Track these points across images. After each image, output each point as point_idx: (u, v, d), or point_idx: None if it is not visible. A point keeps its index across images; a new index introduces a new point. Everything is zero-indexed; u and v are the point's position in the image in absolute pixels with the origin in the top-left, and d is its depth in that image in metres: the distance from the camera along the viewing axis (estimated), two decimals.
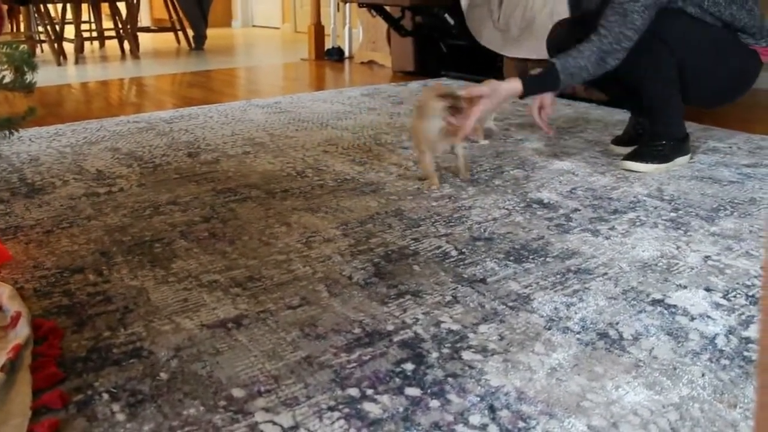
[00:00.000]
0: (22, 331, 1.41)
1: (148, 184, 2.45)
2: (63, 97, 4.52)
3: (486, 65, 4.55)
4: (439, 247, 1.84)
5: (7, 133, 1.23)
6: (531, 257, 1.76)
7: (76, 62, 6.48)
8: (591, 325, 1.43)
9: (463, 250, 1.81)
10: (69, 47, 6.73)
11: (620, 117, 3.38)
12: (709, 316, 1.47)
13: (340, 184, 2.40)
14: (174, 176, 2.55)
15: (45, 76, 5.18)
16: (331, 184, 2.39)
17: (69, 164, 2.76)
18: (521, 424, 1.12)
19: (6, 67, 1.30)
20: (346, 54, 6.26)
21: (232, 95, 4.51)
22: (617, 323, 1.43)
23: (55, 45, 6.31)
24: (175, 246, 1.87)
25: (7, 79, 1.28)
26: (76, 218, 2.12)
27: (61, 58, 6.30)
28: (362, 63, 5.88)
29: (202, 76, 5.44)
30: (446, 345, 1.36)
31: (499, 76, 4.37)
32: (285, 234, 1.94)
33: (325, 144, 2.97)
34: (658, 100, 2.46)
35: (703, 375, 1.26)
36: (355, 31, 6.39)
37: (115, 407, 1.20)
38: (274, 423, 1.14)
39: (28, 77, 1.33)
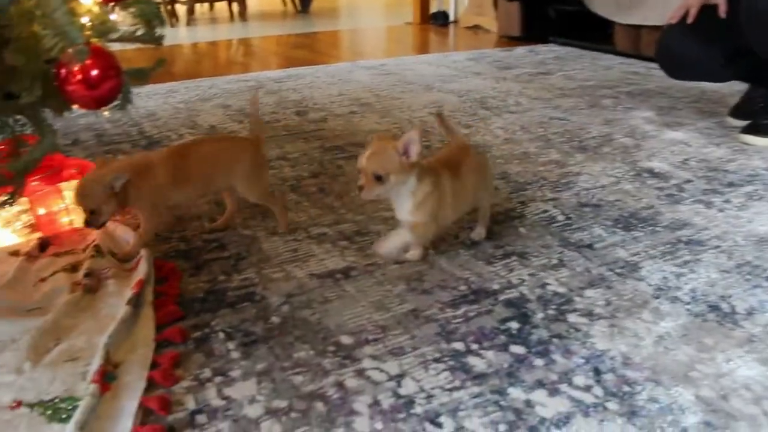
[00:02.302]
0: (144, 269, 1.50)
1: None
2: (175, 56, 4.69)
3: (595, 32, 4.42)
4: (546, 211, 1.82)
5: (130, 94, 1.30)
6: (640, 225, 1.73)
7: (188, 24, 6.69)
8: (702, 297, 1.39)
9: (570, 215, 1.79)
10: (181, 9, 6.95)
11: (738, 87, 3.23)
12: None
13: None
14: (283, 133, 2.62)
15: None
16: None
17: (183, 119, 2.88)
18: (626, 389, 1.12)
19: (138, 21, 1.37)
20: (451, 18, 6.20)
21: (336, 56, 4.56)
22: (730, 297, 1.39)
23: (168, 7, 6.53)
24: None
25: (139, 32, 1.34)
26: None
27: (174, 19, 6.53)
28: (467, 27, 5.81)
29: (308, 38, 5.51)
30: (552, 307, 1.36)
31: (610, 42, 4.24)
32: None
33: (431, 106, 2.98)
34: None
35: None
36: None
37: (231, 345, 1.27)
38: (381, 370, 1.18)
39: (158, 31, 1.39)
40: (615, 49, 4.20)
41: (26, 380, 1.19)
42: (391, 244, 1.51)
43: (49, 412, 1.11)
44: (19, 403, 1.13)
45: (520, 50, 4.49)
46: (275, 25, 6.53)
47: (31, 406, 1.13)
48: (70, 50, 1.05)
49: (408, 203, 1.47)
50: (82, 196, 1.49)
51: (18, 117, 1.24)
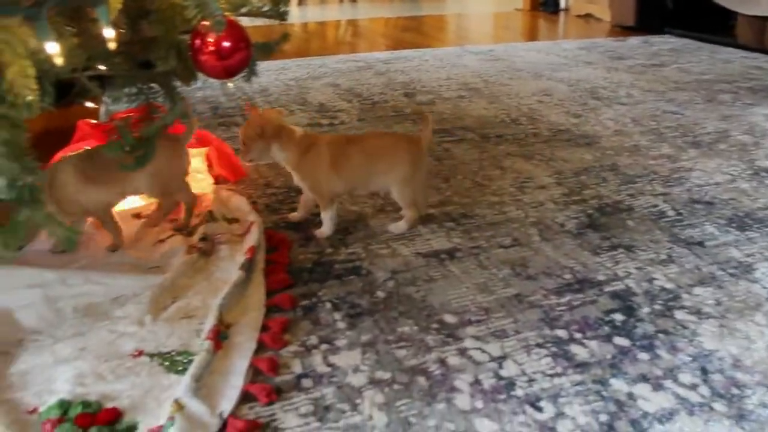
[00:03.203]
0: (255, 236, 1.57)
1: (367, 119, 2.57)
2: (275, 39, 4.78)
3: (715, 23, 4.24)
4: (656, 205, 1.78)
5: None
6: (756, 226, 1.67)
7: (299, 3, 6.82)
8: None
9: (681, 211, 1.75)
10: None
11: None
12: None
13: (554, 134, 2.38)
14: (391, 113, 2.65)
15: None
16: (545, 133, 2.38)
17: (294, 96, 2.95)
18: (735, 391, 1.09)
19: None
20: (562, 5, 6.08)
21: (444, 41, 4.55)
22: None
23: None
24: None
25: (265, 8, 1.39)
26: None
27: None
28: (578, 16, 5.68)
29: (416, 21, 5.52)
30: (658, 302, 1.34)
31: (731, 35, 4.06)
32: (498, 177, 1.98)
33: (540, 94, 2.95)
34: None
35: None
36: None
37: (337, 315, 1.31)
38: (483, 351, 1.20)
39: (282, 7, 1.44)
40: (736, 41, 4.01)
41: (147, 332, 1.27)
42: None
43: (167, 363, 1.18)
44: (141, 352, 1.21)
45: (634, 40, 4.36)
46: (383, 8, 6.57)
47: (151, 356, 1.20)
48: (207, 21, 1.10)
49: (289, 168, 1.64)
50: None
51: (152, 85, 1.31)
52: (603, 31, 4.88)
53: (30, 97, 0.77)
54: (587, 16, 5.59)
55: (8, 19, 0.75)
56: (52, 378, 1.15)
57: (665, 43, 4.23)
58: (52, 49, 0.86)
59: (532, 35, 4.92)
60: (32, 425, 1.04)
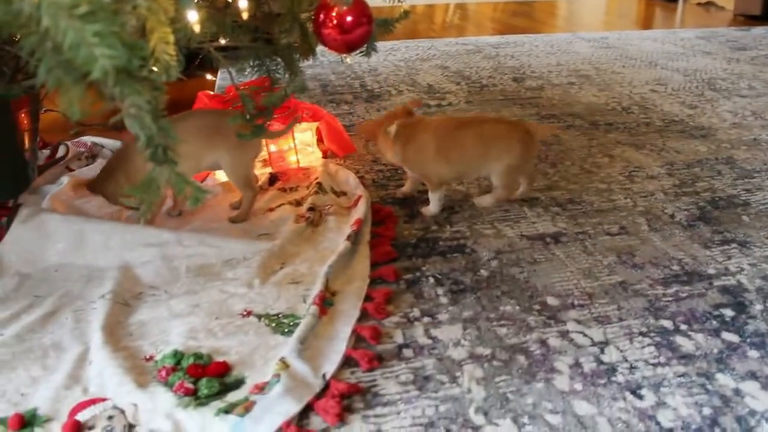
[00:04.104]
0: (362, 209, 1.60)
1: (475, 102, 2.57)
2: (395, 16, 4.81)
3: None
4: None
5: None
6: None
7: None
8: None
9: None
10: None
11: None
12: None
13: (667, 124, 2.31)
14: (499, 97, 2.64)
15: None
16: (657, 123, 2.31)
17: (403, 76, 2.98)
18: None
19: None
20: None
21: (554, 26, 4.47)
22: None
23: None
24: None
25: None
26: None
27: None
28: (698, 4, 5.45)
29: (526, 6, 5.44)
30: None
31: None
32: (607, 165, 1.94)
33: (653, 83, 2.86)
34: None
35: None
36: None
37: (439, 291, 1.33)
38: (585, 335, 1.19)
39: None
40: None
41: (256, 294, 1.33)
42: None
43: (274, 324, 1.24)
44: (250, 313, 1.27)
45: (759, 30, 4.15)
46: None
47: (259, 316, 1.26)
48: None
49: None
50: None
51: (273, 58, 1.36)
52: (725, 21, 4.67)
53: (170, 62, 0.82)
54: (708, 4, 5.36)
55: None
56: (167, 330, 1.23)
57: None
58: (192, 17, 0.91)
59: (647, 23, 4.76)
60: (149, 371, 1.12)
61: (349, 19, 1.20)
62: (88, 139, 2.01)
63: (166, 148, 0.87)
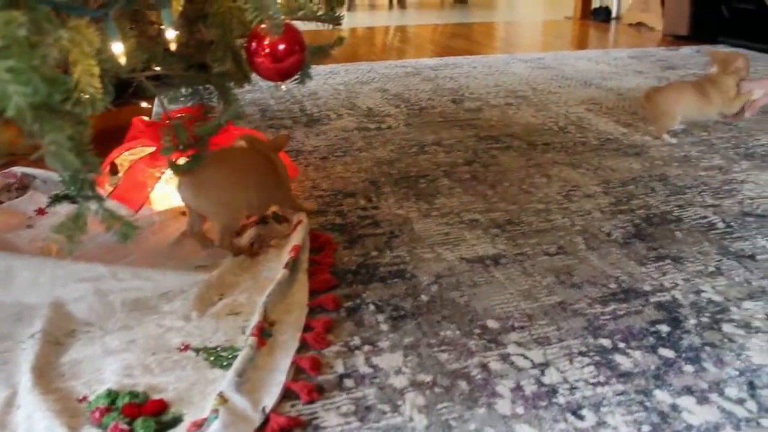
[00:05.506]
0: (299, 235, 1.59)
1: (414, 125, 2.59)
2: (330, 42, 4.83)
3: None
4: (705, 217, 1.76)
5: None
6: None
7: (348, 9, 6.87)
8: None
9: (731, 224, 1.72)
10: None
11: None
12: None
13: (602, 143, 2.36)
14: (438, 119, 2.66)
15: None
16: (593, 142, 2.36)
17: (343, 100, 2.98)
18: None
19: (319, 1, 1.44)
20: (613, 14, 6.01)
21: (492, 47, 4.55)
22: None
23: None
24: (438, 183, 1.98)
25: (320, 12, 1.42)
26: (349, 149, 2.30)
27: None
28: (630, 25, 5.62)
29: (465, 28, 5.53)
30: (705, 314, 1.33)
31: None
32: (545, 185, 1.97)
33: (589, 102, 2.93)
34: None
35: None
36: None
37: (380, 317, 1.32)
38: (525, 357, 1.20)
39: (337, 11, 1.47)
40: None
41: (193, 327, 1.30)
42: None
43: (212, 357, 1.21)
44: (187, 347, 1.24)
45: (686, 50, 4.29)
46: (432, 14, 6.59)
47: (197, 350, 1.23)
48: (265, 24, 1.13)
49: None
50: None
51: (207, 86, 1.34)
52: (655, 41, 4.82)
53: (95, 95, 0.80)
54: (639, 25, 5.53)
55: (77, 19, 0.79)
56: (102, 368, 1.19)
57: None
58: (117, 49, 0.89)
59: (582, 44, 4.88)
60: (82, 413, 1.08)
61: (281, 47, 1.19)
62: (18, 170, 1.95)
63: (92, 183, 0.85)
